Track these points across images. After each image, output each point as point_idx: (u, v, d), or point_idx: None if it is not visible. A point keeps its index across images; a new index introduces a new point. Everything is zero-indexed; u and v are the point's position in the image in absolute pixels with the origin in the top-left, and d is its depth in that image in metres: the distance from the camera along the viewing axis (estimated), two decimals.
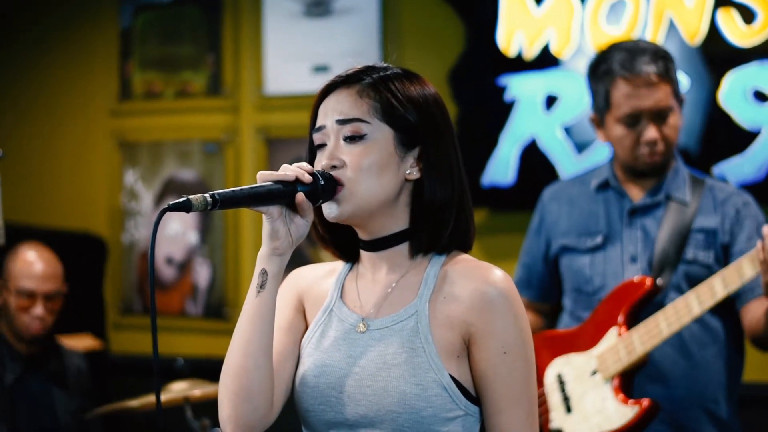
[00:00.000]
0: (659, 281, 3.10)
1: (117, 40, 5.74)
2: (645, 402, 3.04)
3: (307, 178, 1.92)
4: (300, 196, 1.91)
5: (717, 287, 2.96)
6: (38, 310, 3.93)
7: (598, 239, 3.25)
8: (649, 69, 3.11)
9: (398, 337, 1.95)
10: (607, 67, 3.18)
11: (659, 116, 3.12)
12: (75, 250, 5.52)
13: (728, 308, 3.13)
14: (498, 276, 1.95)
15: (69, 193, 5.90)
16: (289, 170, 1.92)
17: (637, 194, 3.23)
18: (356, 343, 1.99)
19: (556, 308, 3.44)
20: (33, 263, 3.97)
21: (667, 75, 3.12)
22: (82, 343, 4.70)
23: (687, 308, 2.99)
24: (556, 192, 3.42)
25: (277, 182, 1.90)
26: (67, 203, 5.89)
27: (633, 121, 3.14)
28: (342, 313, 2.04)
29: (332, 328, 2.03)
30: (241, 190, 1.88)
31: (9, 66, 6.05)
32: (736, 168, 4.20)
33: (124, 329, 5.69)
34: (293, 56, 5.27)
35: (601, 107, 3.21)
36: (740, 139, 4.23)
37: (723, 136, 4.28)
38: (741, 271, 2.92)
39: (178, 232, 5.54)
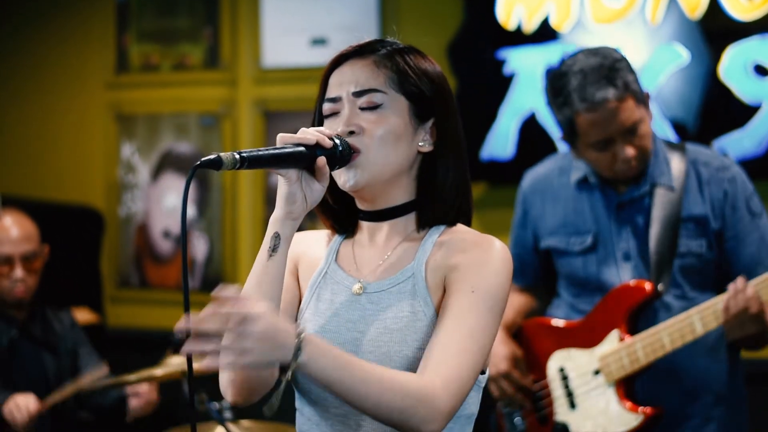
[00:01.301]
0: (660, 287, 3.08)
1: (114, 12, 5.71)
2: (648, 410, 3.06)
3: (328, 143, 1.91)
4: (321, 160, 1.91)
5: (720, 309, 2.96)
6: (18, 272, 3.95)
7: (588, 240, 3.21)
8: (607, 95, 2.98)
9: (396, 300, 1.95)
10: (564, 99, 3.06)
11: (629, 132, 3.02)
12: (72, 223, 5.52)
13: (723, 284, 3.09)
14: (495, 242, 1.96)
15: (66, 166, 5.88)
16: (310, 134, 1.91)
17: (621, 186, 3.17)
18: (354, 307, 1.98)
19: (549, 289, 3.42)
20: (7, 228, 3.98)
21: (626, 89, 3.00)
22: (80, 316, 4.69)
23: (690, 328, 3.00)
24: (537, 184, 3.36)
25: (297, 145, 1.90)
26: (64, 176, 5.87)
27: (604, 145, 3.05)
28: (337, 276, 2.03)
29: (328, 291, 2.02)
30: (266, 150, 1.87)
31: (5, 39, 6.02)
32: (736, 143, 4.18)
33: (120, 303, 5.69)
34: (291, 29, 5.24)
35: (569, 135, 3.11)
36: (740, 113, 4.21)
37: (723, 111, 4.26)
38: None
39: (175, 205, 5.52)
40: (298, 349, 1.73)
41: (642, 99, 3.05)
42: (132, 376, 3.78)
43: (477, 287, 1.90)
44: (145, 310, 5.56)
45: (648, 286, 3.08)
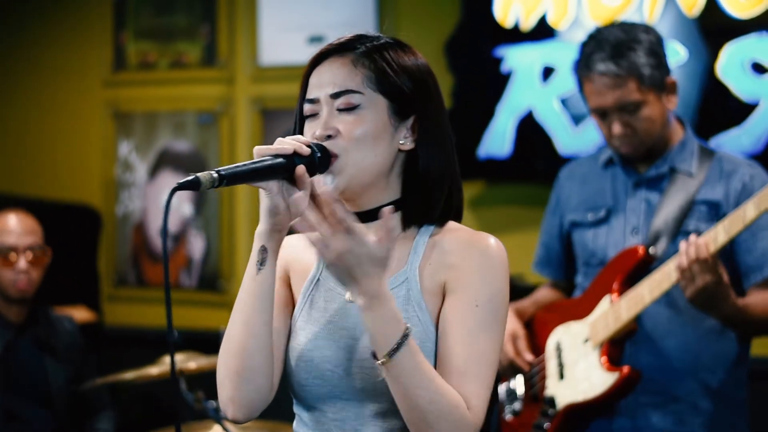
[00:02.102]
0: (652, 250, 3.09)
1: (111, 9, 5.71)
2: (625, 369, 3.05)
3: (305, 150, 1.88)
4: (300, 169, 1.87)
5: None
6: (21, 263, 3.95)
7: (602, 213, 3.23)
8: (606, 68, 3.05)
9: None
10: (578, 61, 3.16)
11: (625, 110, 3.07)
12: (69, 221, 5.51)
13: (734, 280, 3.08)
14: (489, 240, 1.94)
15: (63, 164, 5.87)
16: (286, 143, 1.88)
17: (641, 166, 3.20)
18: (347, 314, 1.96)
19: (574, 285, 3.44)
20: (11, 221, 3.99)
21: (630, 70, 3.05)
22: (77, 314, 4.69)
23: (667, 274, 2.98)
24: (571, 171, 3.41)
25: (275, 156, 1.88)
26: (61, 174, 5.86)
27: (601, 115, 3.12)
28: (330, 282, 2.00)
29: (321, 299, 2.00)
30: (244, 165, 1.84)
31: (3, 37, 6.01)
32: (734, 140, 4.18)
33: (118, 301, 5.68)
34: (288, 27, 5.24)
35: (581, 94, 3.20)
36: (738, 111, 4.20)
37: (721, 109, 4.27)
38: (717, 238, 2.91)
39: (173, 203, 5.51)
40: (405, 337, 1.80)
41: (652, 83, 3.08)
42: (129, 374, 3.78)
43: (479, 299, 1.89)
44: (142, 309, 5.55)
45: (640, 249, 3.09)
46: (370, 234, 1.80)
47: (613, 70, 3.06)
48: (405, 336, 1.80)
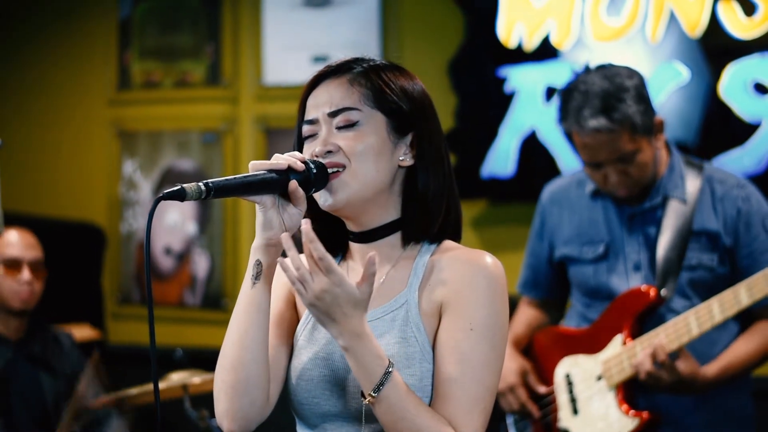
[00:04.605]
0: (663, 292, 3.08)
1: (116, 29, 5.73)
2: (645, 414, 3.07)
3: (300, 166, 1.90)
4: (293, 184, 1.89)
5: (715, 311, 2.97)
6: (25, 275, 3.97)
7: (600, 249, 3.21)
8: (598, 123, 3.00)
9: (390, 328, 1.93)
10: (564, 114, 3.10)
11: (619, 161, 3.05)
12: (73, 239, 5.53)
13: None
14: (486, 259, 1.94)
15: (67, 183, 5.89)
16: (281, 159, 1.91)
17: (635, 199, 3.17)
18: None
19: (561, 302, 3.44)
20: (15, 236, 4.03)
21: (623, 122, 3.00)
22: (81, 333, 4.70)
23: (686, 328, 2.99)
24: (555, 194, 3.37)
25: (269, 171, 1.89)
26: (65, 193, 5.88)
27: (595, 166, 3.09)
28: None
29: None
30: (234, 178, 1.87)
31: (8, 56, 6.04)
32: (736, 160, 4.19)
33: (122, 319, 5.69)
34: (293, 46, 5.26)
35: (572, 145, 3.17)
36: (740, 131, 4.22)
37: (723, 129, 4.28)
38: (738, 297, 2.93)
39: (177, 222, 5.53)
40: (388, 373, 1.82)
41: (644, 129, 3.04)
42: (133, 392, 3.79)
43: (475, 322, 1.89)
44: (146, 327, 5.52)
45: (652, 291, 3.08)
46: (347, 277, 1.80)
47: (606, 126, 3.00)
48: (388, 372, 1.82)
